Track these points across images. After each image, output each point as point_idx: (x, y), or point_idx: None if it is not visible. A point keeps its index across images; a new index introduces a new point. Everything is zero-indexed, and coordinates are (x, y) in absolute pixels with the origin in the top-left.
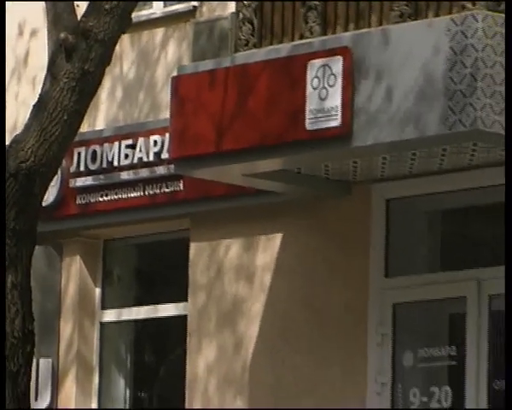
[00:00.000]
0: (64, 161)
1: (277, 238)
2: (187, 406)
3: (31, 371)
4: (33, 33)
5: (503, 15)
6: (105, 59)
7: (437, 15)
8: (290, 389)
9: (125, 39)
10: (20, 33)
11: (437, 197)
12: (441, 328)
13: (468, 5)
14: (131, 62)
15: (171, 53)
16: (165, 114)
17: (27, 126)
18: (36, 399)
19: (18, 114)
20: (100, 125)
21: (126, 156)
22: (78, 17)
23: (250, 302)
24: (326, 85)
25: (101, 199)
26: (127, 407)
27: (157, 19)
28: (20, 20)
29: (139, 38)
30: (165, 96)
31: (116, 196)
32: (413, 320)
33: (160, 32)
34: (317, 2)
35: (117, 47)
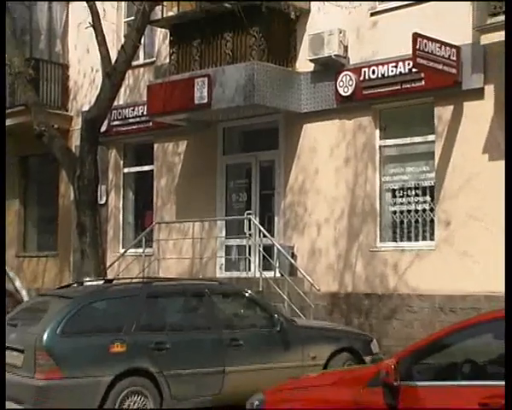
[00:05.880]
0: (108, 115)
1: (185, 143)
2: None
3: (97, 187)
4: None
5: (272, 65)
6: (122, 78)
7: (241, 62)
8: (186, 207)
9: (129, 72)
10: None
11: (235, 127)
12: (243, 178)
13: (251, 59)
14: (132, 81)
15: (146, 77)
16: (144, 97)
17: (95, 102)
18: (100, 199)
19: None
20: (121, 102)
21: (131, 113)
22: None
23: (176, 167)
24: (202, 89)
25: (122, 129)
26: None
27: (141, 64)
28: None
29: (134, 72)
30: (145, 93)
31: (128, 128)
32: (234, 172)
33: (142, 69)
34: (198, 57)
35: (126, 75)
